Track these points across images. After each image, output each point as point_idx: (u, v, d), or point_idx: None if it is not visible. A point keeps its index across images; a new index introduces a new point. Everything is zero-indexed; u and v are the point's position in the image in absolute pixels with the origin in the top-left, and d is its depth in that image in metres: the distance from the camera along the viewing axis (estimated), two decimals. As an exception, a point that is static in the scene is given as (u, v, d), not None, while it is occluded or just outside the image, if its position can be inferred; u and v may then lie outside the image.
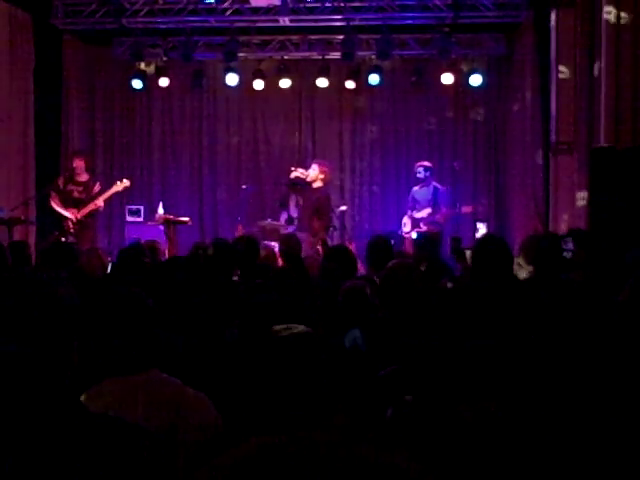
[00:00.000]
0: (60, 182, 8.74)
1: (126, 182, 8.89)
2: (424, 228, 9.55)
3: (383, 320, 3.34)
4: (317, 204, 8.85)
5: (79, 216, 8.50)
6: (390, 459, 0.75)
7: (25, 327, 1.51)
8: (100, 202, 8.61)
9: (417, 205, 9.85)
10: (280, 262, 6.03)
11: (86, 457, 1.38)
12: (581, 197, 8.48)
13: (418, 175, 9.83)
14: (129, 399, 1.97)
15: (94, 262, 5.08)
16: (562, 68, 9.01)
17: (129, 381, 2.03)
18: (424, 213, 9.75)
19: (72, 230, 8.43)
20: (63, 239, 8.21)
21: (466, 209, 9.95)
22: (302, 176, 9.05)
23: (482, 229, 9.54)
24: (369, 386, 2.44)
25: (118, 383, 2.03)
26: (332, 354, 2.63)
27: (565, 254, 4.95)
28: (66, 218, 8.51)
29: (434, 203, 9.65)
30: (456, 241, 7.63)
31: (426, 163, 9.89)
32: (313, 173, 9.05)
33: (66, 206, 8.56)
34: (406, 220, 9.97)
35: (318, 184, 9.02)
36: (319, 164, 9.21)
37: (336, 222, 10.01)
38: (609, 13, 7.71)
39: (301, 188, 9.10)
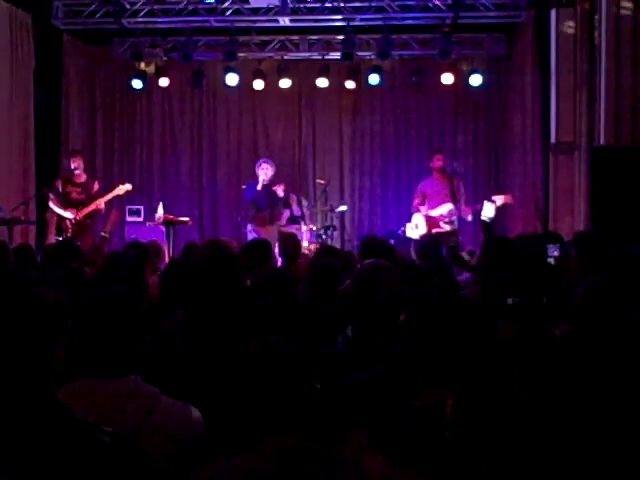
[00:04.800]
0: (59, 184, 8.67)
1: (128, 186, 8.83)
2: (446, 228, 8.61)
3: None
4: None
5: (78, 217, 8.46)
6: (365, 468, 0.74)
7: (5, 326, 1.49)
8: (101, 204, 8.53)
9: (431, 200, 8.77)
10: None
11: (67, 460, 1.37)
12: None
13: (438, 163, 8.88)
14: (94, 402, 1.93)
15: (97, 261, 5.08)
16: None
17: (102, 384, 2.00)
18: (444, 210, 8.70)
19: (70, 231, 8.39)
20: (61, 238, 8.18)
21: (498, 199, 8.46)
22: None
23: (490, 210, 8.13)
24: (347, 389, 2.43)
25: (90, 385, 2.00)
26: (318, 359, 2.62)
27: (549, 260, 4.91)
28: (65, 218, 8.46)
29: (453, 197, 8.62)
30: (451, 248, 7.49)
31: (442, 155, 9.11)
32: (270, 173, 8.89)
33: (65, 208, 8.51)
34: (418, 219, 8.86)
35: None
36: (268, 162, 9.03)
37: (336, 222, 10.03)
38: (612, 10, 7.73)
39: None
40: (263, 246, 5.27)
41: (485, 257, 3.64)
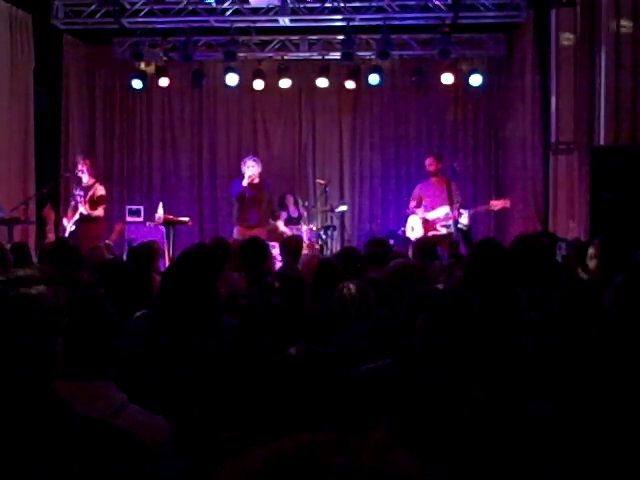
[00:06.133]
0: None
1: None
2: (442, 231, 8.52)
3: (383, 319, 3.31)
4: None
5: (68, 221, 8.71)
6: (389, 460, 0.74)
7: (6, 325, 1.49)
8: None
9: (427, 203, 8.75)
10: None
11: (71, 457, 1.37)
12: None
13: (430, 168, 8.89)
14: None
15: (95, 260, 5.08)
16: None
17: (65, 386, 1.95)
18: (440, 213, 8.63)
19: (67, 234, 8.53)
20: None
21: (497, 204, 8.64)
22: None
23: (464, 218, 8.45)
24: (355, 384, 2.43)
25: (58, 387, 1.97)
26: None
27: (557, 257, 5.01)
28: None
29: (450, 200, 8.39)
30: (452, 248, 7.53)
31: (433, 158, 9.05)
32: (256, 170, 8.87)
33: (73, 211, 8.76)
34: (414, 221, 8.84)
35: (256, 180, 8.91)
36: (255, 160, 9.00)
37: (336, 222, 10.02)
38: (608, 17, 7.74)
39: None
40: (260, 246, 5.27)
41: (472, 259, 3.64)
